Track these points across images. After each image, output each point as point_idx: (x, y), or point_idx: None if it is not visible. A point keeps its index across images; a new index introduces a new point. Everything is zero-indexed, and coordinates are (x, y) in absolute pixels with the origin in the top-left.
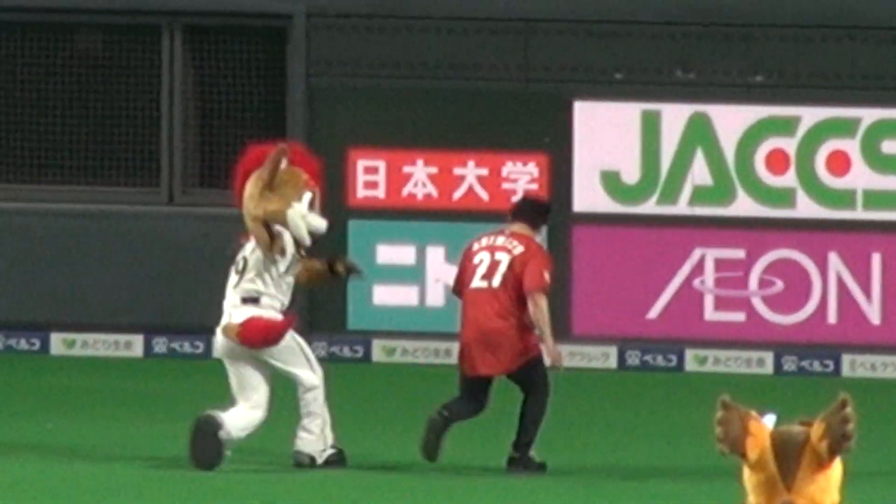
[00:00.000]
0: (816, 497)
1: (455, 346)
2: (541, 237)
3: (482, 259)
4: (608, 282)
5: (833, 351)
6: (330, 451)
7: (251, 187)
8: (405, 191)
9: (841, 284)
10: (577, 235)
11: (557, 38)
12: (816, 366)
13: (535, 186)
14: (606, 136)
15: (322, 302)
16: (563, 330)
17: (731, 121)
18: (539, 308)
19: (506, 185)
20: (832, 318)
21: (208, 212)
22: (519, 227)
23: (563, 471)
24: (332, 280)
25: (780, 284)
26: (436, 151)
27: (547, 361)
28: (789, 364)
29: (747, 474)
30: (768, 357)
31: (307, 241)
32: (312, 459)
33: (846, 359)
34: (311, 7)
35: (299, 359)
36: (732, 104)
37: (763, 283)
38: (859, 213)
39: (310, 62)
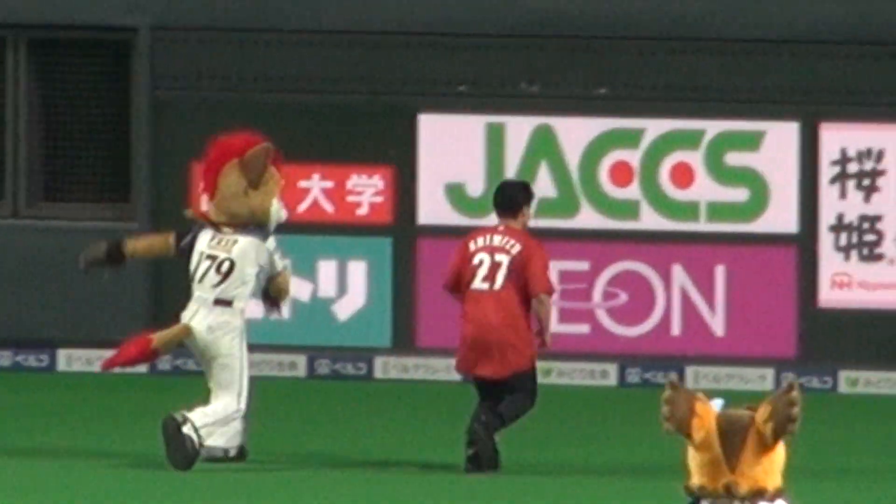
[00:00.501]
0: (759, 479)
1: (300, 358)
2: (531, 213)
3: (482, 260)
4: None
5: (677, 363)
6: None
7: (233, 186)
8: None
9: (685, 296)
10: (422, 248)
11: (402, 51)
12: (660, 377)
13: (380, 199)
14: (451, 149)
15: (171, 317)
16: (407, 342)
17: (576, 133)
18: (545, 307)
19: (350, 198)
20: (676, 329)
21: (53, 225)
22: (510, 221)
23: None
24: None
25: (623, 296)
26: (282, 165)
27: (546, 342)
28: (633, 376)
29: (692, 455)
30: (612, 369)
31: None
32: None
33: (690, 371)
34: (155, 20)
35: (233, 383)
36: (577, 116)
37: (607, 296)
38: (703, 226)
39: (155, 75)
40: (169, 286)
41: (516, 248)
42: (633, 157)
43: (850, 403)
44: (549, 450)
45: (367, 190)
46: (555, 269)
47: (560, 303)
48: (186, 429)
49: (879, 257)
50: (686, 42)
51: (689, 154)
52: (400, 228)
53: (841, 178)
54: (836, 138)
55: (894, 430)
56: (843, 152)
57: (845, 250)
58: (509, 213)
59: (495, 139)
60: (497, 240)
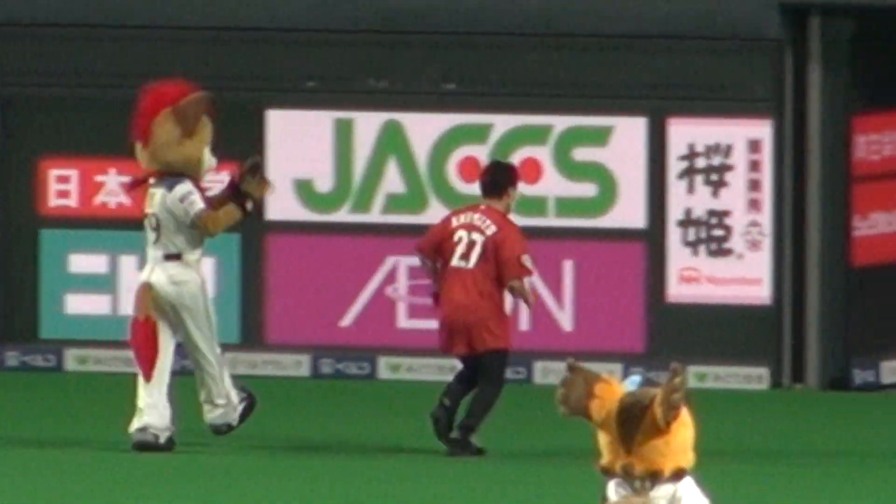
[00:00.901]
0: (656, 461)
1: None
2: (515, 196)
3: (461, 237)
4: (302, 290)
5: (525, 358)
6: (240, 407)
7: (167, 134)
8: (97, 200)
9: (533, 291)
10: (270, 244)
11: (249, 46)
12: (509, 373)
13: None
14: (299, 145)
15: (14, 311)
16: (256, 338)
17: (424, 129)
18: (520, 291)
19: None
20: (524, 325)
21: None
22: (490, 202)
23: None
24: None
25: None
26: (128, 160)
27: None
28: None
29: (599, 434)
30: (460, 364)
31: (195, 194)
32: (230, 426)
33: (538, 366)
34: (0, 16)
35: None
36: (425, 112)
37: None
38: (551, 221)
39: (1, 71)
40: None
41: (491, 230)
42: (482, 153)
43: (695, 398)
44: (400, 446)
45: (217, 186)
46: (403, 265)
47: (410, 299)
48: (163, 441)
49: (727, 252)
50: (534, 38)
51: (537, 149)
52: (248, 224)
53: (689, 173)
54: (684, 133)
55: (741, 423)
56: (691, 147)
57: (693, 245)
58: (493, 194)
59: (343, 135)
60: (475, 218)
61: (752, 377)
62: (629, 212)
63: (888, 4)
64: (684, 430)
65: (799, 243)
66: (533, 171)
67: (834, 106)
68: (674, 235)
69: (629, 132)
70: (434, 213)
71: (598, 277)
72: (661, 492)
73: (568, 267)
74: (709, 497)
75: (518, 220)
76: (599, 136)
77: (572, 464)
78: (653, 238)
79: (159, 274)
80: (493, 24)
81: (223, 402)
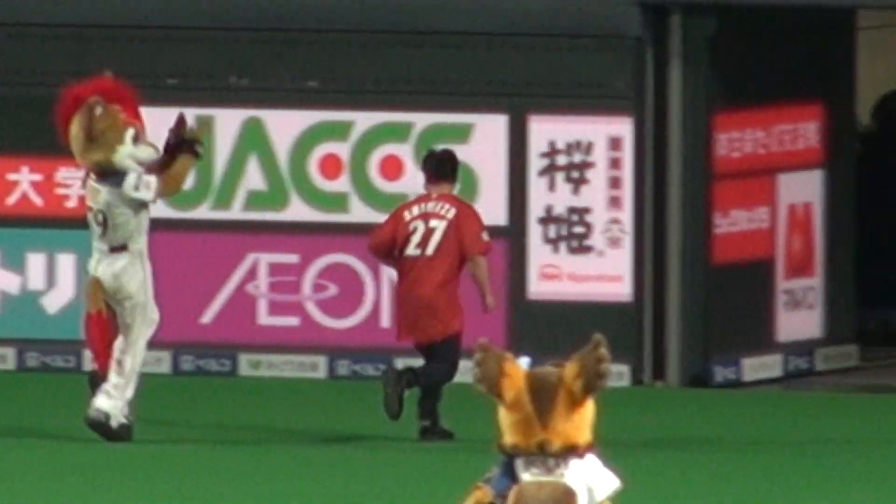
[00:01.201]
0: (571, 435)
1: (9, 351)
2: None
3: (416, 227)
4: (162, 287)
5: (386, 355)
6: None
7: (74, 139)
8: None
9: (393, 289)
10: None
11: (110, 43)
12: (370, 370)
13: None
14: (161, 142)
15: None
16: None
17: (285, 126)
18: (480, 268)
19: (59, 191)
20: (385, 321)
21: None
22: (443, 188)
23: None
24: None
25: (333, 289)
26: (42, 158)
27: (489, 304)
28: (342, 368)
29: (503, 414)
30: (322, 361)
31: (144, 175)
32: (108, 417)
33: (401, 362)
34: None
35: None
36: (286, 109)
37: (317, 288)
38: None
39: None
40: None
41: (451, 213)
42: (343, 150)
43: None
44: (261, 443)
45: (76, 183)
46: (264, 261)
47: (270, 295)
48: (113, 422)
49: (588, 249)
50: (394, 35)
51: (398, 147)
52: None
53: (549, 170)
54: (545, 131)
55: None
56: (552, 145)
57: (554, 242)
58: (442, 180)
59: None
60: (431, 206)
61: (613, 374)
62: (490, 209)
63: (748, 2)
64: (591, 405)
65: (659, 241)
66: (394, 168)
67: (695, 103)
68: (535, 233)
69: (490, 130)
70: (295, 210)
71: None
72: (573, 473)
73: None
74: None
75: (379, 217)
76: (460, 134)
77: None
78: (514, 235)
79: (105, 268)
80: (354, 21)
81: (118, 395)
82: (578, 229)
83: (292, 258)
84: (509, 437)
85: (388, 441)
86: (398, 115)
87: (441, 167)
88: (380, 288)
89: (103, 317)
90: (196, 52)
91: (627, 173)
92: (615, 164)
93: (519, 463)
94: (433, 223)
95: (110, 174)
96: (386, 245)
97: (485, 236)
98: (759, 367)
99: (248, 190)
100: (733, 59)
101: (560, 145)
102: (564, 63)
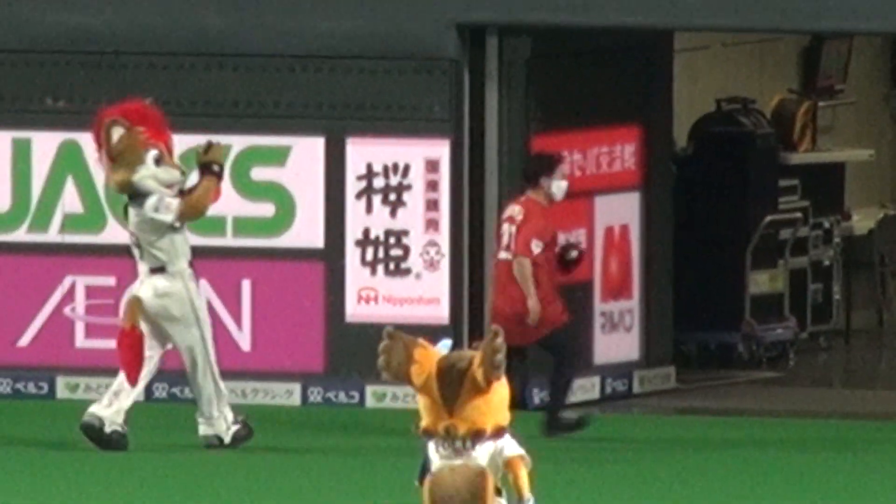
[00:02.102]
0: (477, 420)
1: None
2: (555, 189)
3: (504, 230)
4: None
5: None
6: (234, 427)
7: (102, 165)
8: None
9: (211, 311)
10: None
11: None
12: (188, 392)
13: None
14: None
15: None
16: None
17: None
18: (522, 271)
19: None
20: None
21: None
22: (530, 193)
23: None
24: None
25: None
26: None
27: (531, 308)
28: (160, 391)
29: (419, 398)
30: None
31: (167, 196)
32: (101, 422)
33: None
34: None
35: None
36: None
37: None
38: (229, 240)
39: None
40: None
41: (519, 217)
42: None
43: (376, 417)
44: (78, 463)
45: None
46: (81, 284)
47: (87, 318)
48: (107, 428)
49: (405, 272)
50: (210, 58)
51: None
52: None
53: (367, 192)
54: (362, 153)
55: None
56: (369, 167)
57: (371, 265)
58: (530, 185)
59: (21, 154)
60: (514, 210)
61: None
62: (307, 231)
63: (564, 24)
64: (502, 389)
65: (477, 263)
66: None
67: (511, 126)
68: (352, 255)
69: (307, 152)
70: (112, 232)
71: (276, 297)
72: (481, 450)
73: (246, 286)
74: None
75: (195, 239)
76: (277, 156)
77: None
78: (331, 258)
79: (146, 288)
80: (170, 44)
81: (216, 414)
82: (396, 252)
83: (109, 281)
84: (423, 419)
85: (207, 457)
86: (215, 137)
87: (526, 170)
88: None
89: (136, 333)
90: (12, 74)
91: (445, 196)
92: (432, 186)
93: (431, 444)
94: (511, 227)
95: (138, 196)
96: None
97: (533, 244)
98: (576, 389)
99: (65, 212)
100: (550, 82)
101: (377, 168)
102: (382, 85)
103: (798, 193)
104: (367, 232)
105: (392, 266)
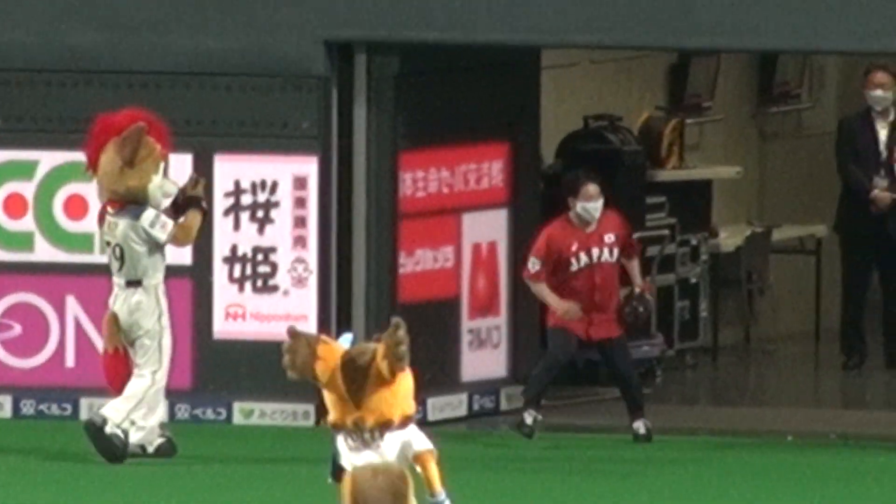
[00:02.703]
0: (385, 411)
1: None
2: (580, 210)
3: None
4: None
5: (71, 394)
6: (160, 441)
7: (109, 164)
8: None
9: (79, 328)
10: None
11: None
12: (55, 409)
13: None
14: None
15: None
16: None
17: None
18: (535, 292)
19: None
20: (70, 361)
21: None
22: (569, 212)
23: None
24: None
25: (18, 328)
26: None
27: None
28: (28, 407)
29: (325, 393)
30: (7, 400)
31: (163, 215)
32: (143, 448)
33: (84, 402)
34: None
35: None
36: None
37: (1, 328)
38: (97, 257)
39: None
40: None
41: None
42: (27, 189)
43: (244, 434)
44: None
45: None
46: None
47: None
48: (109, 428)
49: (273, 289)
50: (80, 74)
51: (82, 186)
52: None
53: (234, 209)
54: (230, 170)
55: (286, 459)
56: (237, 184)
57: (239, 282)
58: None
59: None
60: None
61: (298, 414)
62: (174, 248)
63: (432, 41)
64: (406, 379)
65: (345, 280)
66: (78, 207)
67: (380, 143)
68: (219, 272)
69: (176, 168)
70: None
71: None
72: (390, 442)
73: None
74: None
75: (64, 256)
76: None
77: None
78: (198, 274)
79: (121, 303)
80: (39, 61)
81: (145, 424)
82: (263, 269)
83: None
84: (331, 414)
85: (69, 480)
86: (83, 154)
87: (562, 191)
88: (65, 327)
89: (119, 355)
90: None
91: (313, 213)
92: (300, 203)
93: (339, 438)
94: None
95: (129, 206)
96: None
97: (530, 264)
98: (443, 406)
99: None
100: (418, 98)
101: (245, 185)
102: (250, 102)
103: (665, 210)
104: (234, 249)
105: (260, 283)
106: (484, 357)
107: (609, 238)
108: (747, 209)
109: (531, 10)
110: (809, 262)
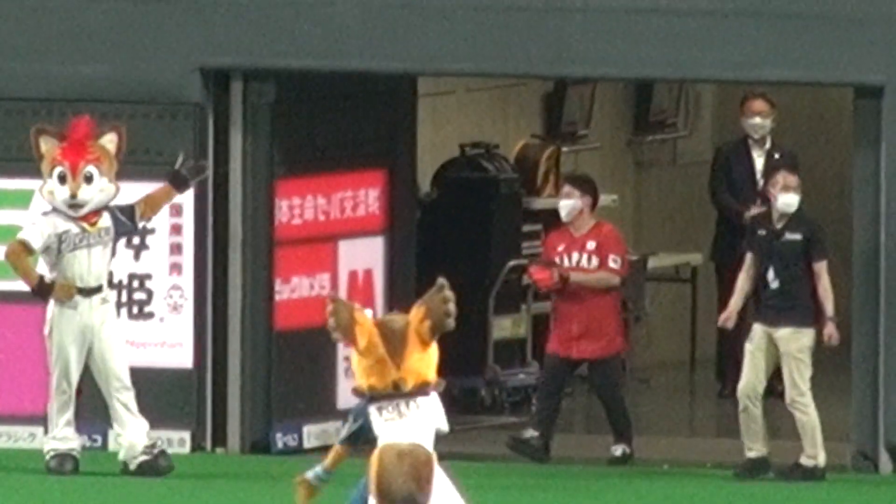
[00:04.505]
0: (422, 372)
1: None
2: (560, 207)
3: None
4: None
5: None
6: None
7: (113, 163)
8: None
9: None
10: None
11: None
12: None
13: None
14: None
15: None
16: None
17: None
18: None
19: None
20: None
21: None
22: None
23: None
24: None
25: None
26: None
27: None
28: None
29: (358, 360)
30: None
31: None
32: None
33: None
34: None
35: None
36: None
37: None
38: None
39: None
40: None
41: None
42: None
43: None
44: None
45: None
46: None
47: None
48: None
49: (149, 316)
50: None
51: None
52: None
53: None
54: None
55: (157, 485)
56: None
57: (115, 308)
58: None
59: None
60: None
61: (173, 441)
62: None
63: (308, 68)
64: (435, 345)
65: (221, 307)
66: None
67: (255, 170)
68: None
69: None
70: None
71: (16, 341)
72: (424, 406)
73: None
74: None
75: None
76: (20, 199)
77: None
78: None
79: None
80: None
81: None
82: (139, 295)
83: None
84: (365, 380)
85: None
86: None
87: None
88: None
89: None
90: None
91: (188, 240)
92: (176, 230)
93: (372, 410)
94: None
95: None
96: None
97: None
98: (320, 433)
99: None
100: (294, 126)
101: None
102: (126, 130)
103: (541, 238)
104: (110, 276)
105: (135, 310)
106: None
107: (590, 245)
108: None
109: (407, 38)
110: (685, 290)
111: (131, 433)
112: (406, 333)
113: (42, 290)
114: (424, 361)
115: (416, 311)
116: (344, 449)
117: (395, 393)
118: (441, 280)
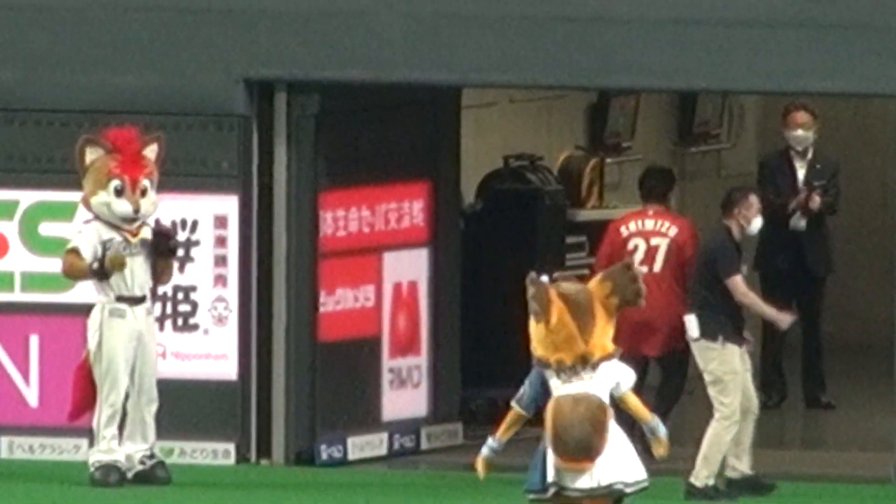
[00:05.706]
0: (606, 346)
1: None
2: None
3: (637, 244)
4: None
5: None
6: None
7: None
8: None
9: (0, 366)
10: None
11: None
12: None
13: None
14: None
15: None
16: None
17: None
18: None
19: None
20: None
21: None
22: (658, 207)
23: None
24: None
25: None
26: None
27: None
28: None
29: (543, 335)
30: None
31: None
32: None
33: (4, 441)
34: None
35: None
36: None
37: None
38: (17, 296)
39: None
40: None
41: (673, 231)
42: None
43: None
44: None
45: None
46: None
47: None
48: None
49: (194, 328)
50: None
51: (3, 224)
52: None
53: None
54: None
55: (209, 498)
56: (157, 223)
57: (159, 321)
58: (656, 198)
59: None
60: (650, 224)
61: (218, 452)
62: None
63: (352, 80)
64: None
65: (265, 319)
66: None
67: (300, 182)
68: None
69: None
70: None
71: (63, 352)
72: (602, 371)
73: (34, 342)
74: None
75: None
76: (66, 212)
77: None
78: None
79: None
80: None
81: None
82: (184, 307)
83: None
84: (552, 354)
85: None
86: (3, 192)
87: (658, 183)
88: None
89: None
90: None
91: (233, 252)
92: (221, 242)
93: (552, 377)
94: (655, 241)
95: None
96: (608, 260)
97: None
98: (364, 445)
99: None
100: (339, 138)
101: (166, 223)
102: (170, 141)
103: (585, 250)
104: (154, 287)
105: (180, 322)
106: (404, 396)
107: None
108: None
109: (451, 49)
110: None
111: (135, 446)
112: (593, 309)
113: (100, 270)
114: (607, 334)
115: (601, 286)
116: (518, 414)
117: (581, 364)
118: (628, 260)
